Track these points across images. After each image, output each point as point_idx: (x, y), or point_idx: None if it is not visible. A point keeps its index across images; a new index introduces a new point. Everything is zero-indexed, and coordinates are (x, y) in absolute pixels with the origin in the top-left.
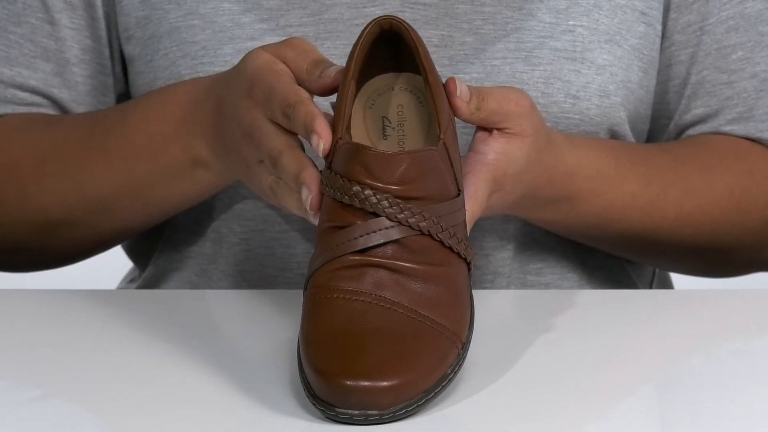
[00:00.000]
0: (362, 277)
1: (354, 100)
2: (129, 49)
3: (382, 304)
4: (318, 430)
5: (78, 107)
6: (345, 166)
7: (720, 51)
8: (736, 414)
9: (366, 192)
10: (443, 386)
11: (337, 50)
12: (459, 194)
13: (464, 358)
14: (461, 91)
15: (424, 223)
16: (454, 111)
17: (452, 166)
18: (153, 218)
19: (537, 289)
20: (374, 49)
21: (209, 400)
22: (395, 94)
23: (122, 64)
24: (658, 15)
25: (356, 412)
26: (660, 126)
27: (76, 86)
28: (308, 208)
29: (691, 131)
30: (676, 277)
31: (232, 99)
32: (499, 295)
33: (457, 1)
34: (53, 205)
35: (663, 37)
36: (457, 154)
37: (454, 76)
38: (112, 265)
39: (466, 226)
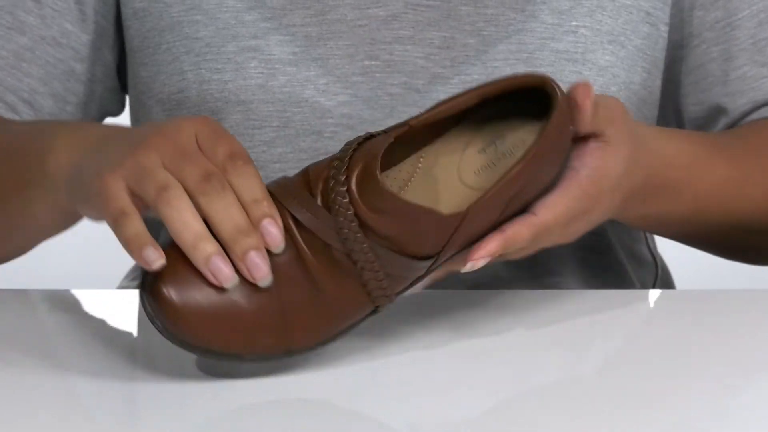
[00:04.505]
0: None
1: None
2: (127, 41)
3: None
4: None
5: (42, 87)
6: (355, 170)
7: (756, 45)
8: (736, 414)
9: (336, 180)
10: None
11: (340, 51)
12: (431, 258)
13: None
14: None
15: (361, 256)
16: (579, 115)
17: (453, 233)
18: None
19: (536, 289)
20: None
21: (211, 401)
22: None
23: (120, 55)
24: (663, 15)
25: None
26: (699, 127)
27: (45, 66)
28: (150, 261)
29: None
30: (676, 278)
31: (176, 119)
32: (499, 294)
33: (460, 3)
34: None
35: (691, 36)
36: (482, 227)
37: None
38: (113, 264)
39: (411, 285)
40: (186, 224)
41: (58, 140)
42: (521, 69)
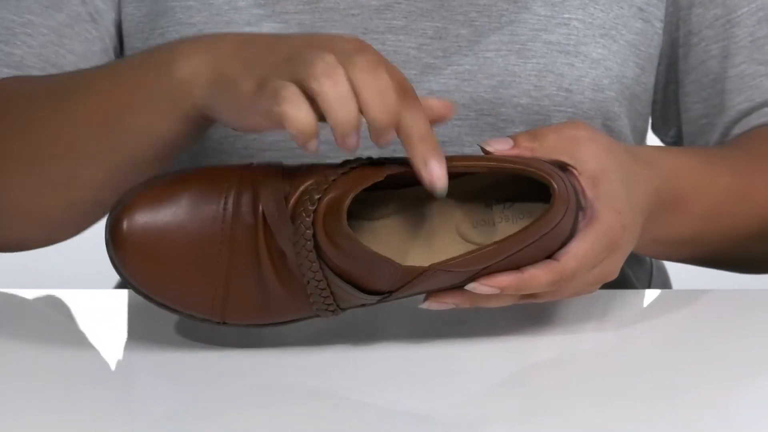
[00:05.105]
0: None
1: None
2: (125, 23)
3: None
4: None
5: (84, 64)
6: (330, 194)
7: (755, 43)
8: (735, 414)
9: (310, 197)
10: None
11: None
12: (382, 295)
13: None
14: (498, 142)
15: (310, 274)
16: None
17: (408, 283)
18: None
19: None
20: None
21: (209, 401)
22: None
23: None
24: (657, 12)
25: None
26: (701, 126)
27: (85, 42)
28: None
29: (737, 129)
30: (675, 277)
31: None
32: None
33: None
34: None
35: (690, 33)
36: (446, 284)
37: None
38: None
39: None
40: (342, 99)
41: (182, 47)
42: (513, 60)
